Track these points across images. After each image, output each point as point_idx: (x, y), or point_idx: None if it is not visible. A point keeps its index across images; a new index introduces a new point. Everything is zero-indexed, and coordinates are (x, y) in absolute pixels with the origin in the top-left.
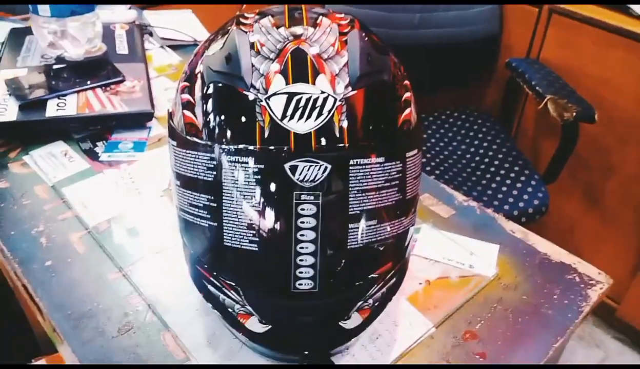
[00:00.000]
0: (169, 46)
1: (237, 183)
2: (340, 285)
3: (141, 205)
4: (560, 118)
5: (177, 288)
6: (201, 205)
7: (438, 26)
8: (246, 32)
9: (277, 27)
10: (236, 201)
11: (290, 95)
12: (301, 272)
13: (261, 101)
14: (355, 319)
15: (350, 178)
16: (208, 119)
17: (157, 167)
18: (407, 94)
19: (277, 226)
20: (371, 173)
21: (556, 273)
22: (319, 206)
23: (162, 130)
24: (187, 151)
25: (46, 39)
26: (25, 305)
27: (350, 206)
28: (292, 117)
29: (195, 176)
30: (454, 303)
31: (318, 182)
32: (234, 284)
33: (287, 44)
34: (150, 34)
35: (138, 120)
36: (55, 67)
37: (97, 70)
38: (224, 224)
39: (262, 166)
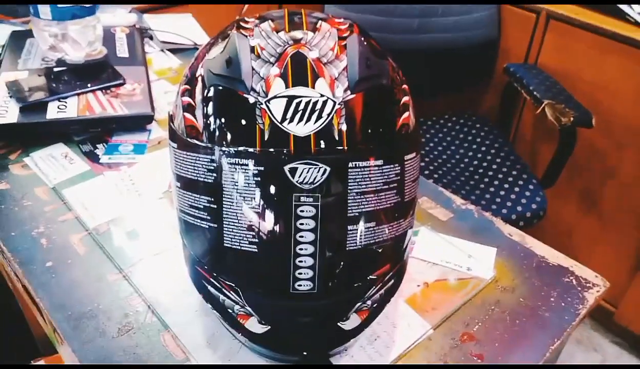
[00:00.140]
0: (169, 50)
1: (237, 185)
2: (339, 286)
3: (141, 207)
4: (557, 123)
5: (177, 289)
6: (201, 206)
7: (437, 31)
8: (246, 36)
9: (277, 32)
10: (236, 202)
11: (290, 99)
12: (300, 273)
13: (261, 104)
14: (354, 321)
15: (349, 181)
16: (208, 122)
17: (157, 169)
18: (406, 98)
19: (277, 227)
20: (370, 175)
21: (553, 276)
22: (318, 208)
23: (162, 132)
24: (188, 153)
25: (47, 42)
26: (25, 306)
27: (349, 208)
28: (291, 119)
29: (196, 178)
30: (451, 305)
31: (317, 184)
32: (233, 285)
33: (287, 48)
34: (151, 38)
35: (138, 123)
36: (56, 69)
37: (98, 73)
38: (224, 225)
39: (262, 168)
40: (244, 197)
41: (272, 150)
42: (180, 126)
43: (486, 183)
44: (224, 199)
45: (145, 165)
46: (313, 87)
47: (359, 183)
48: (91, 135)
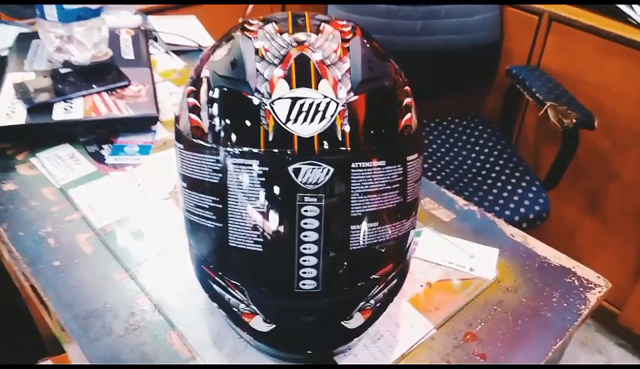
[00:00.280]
0: (174, 51)
1: (242, 185)
2: (343, 286)
3: (147, 207)
4: (560, 124)
5: (183, 288)
6: (207, 206)
7: (440, 33)
8: (251, 38)
9: (281, 34)
10: (241, 202)
11: (294, 100)
12: (304, 272)
13: (265, 105)
14: (357, 320)
15: (352, 181)
16: (214, 122)
17: (162, 169)
18: (408, 99)
19: (281, 227)
20: (372, 176)
21: (555, 277)
22: (322, 208)
23: (167, 133)
24: (193, 154)
25: (53, 44)
26: (32, 306)
27: (352, 208)
28: (295, 120)
29: (201, 178)
30: (454, 305)
31: (321, 184)
32: (238, 284)
33: (291, 49)
34: (155, 39)
35: (143, 124)
36: (62, 71)
37: (103, 74)
38: (229, 225)
39: (267, 168)
40: (248, 197)
41: (276, 150)
42: (186, 127)
43: (489, 185)
44: (229, 199)
45: (150, 166)
46: (316, 89)
47: (362, 183)
48: (97, 136)
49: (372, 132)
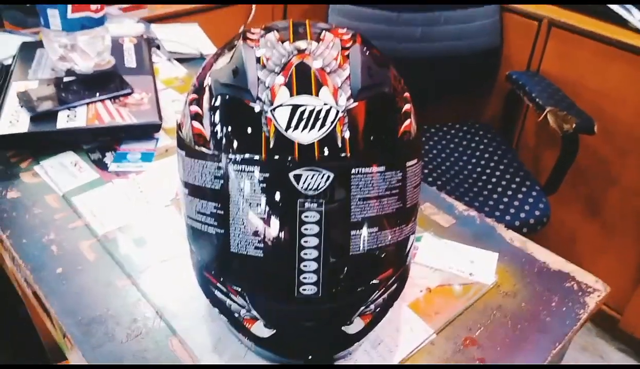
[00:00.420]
0: (176, 59)
1: (243, 192)
2: (343, 291)
3: (149, 214)
4: (560, 129)
5: (184, 295)
6: (209, 212)
7: (440, 40)
8: (252, 47)
9: (282, 42)
10: (242, 209)
11: (295, 107)
12: (305, 278)
13: (267, 112)
14: (357, 324)
15: (352, 187)
16: (216, 130)
17: (164, 177)
18: (407, 106)
19: (282, 233)
20: (372, 181)
21: (554, 281)
22: (322, 213)
23: (170, 141)
24: (196, 161)
25: (57, 53)
26: (34, 313)
27: (352, 213)
28: (296, 127)
29: (203, 185)
30: (454, 309)
31: (321, 190)
32: (239, 289)
33: (292, 58)
34: (158, 47)
35: (146, 132)
36: (65, 79)
37: (106, 82)
38: (230, 231)
39: (268, 175)
40: (249, 203)
41: (277, 157)
42: (188, 134)
43: (490, 190)
44: (230, 205)
45: (152, 173)
46: (317, 96)
47: (362, 189)
48: (100, 144)
49: (371, 138)
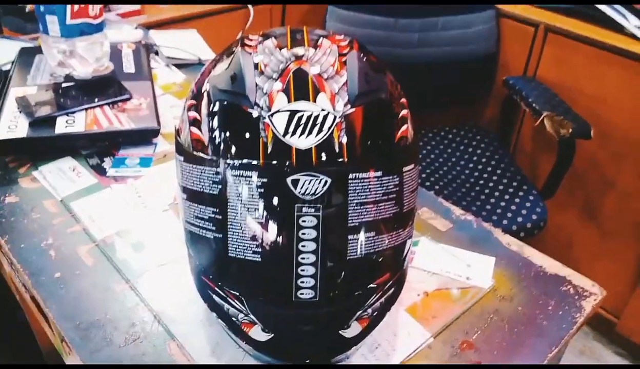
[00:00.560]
0: (174, 65)
1: (241, 197)
2: (340, 295)
3: (147, 219)
4: (556, 134)
5: (182, 299)
6: (207, 217)
7: (437, 45)
8: (250, 53)
9: (280, 48)
10: (240, 213)
11: (292, 113)
12: (302, 282)
13: (264, 118)
14: (354, 328)
15: (349, 192)
16: (214, 135)
17: (162, 182)
18: (404, 111)
19: (280, 237)
20: (369, 186)
21: (551, 285)
22: (320, 218)
23: (168, 146)
24: (194, 166)
25: (55, 58)
26: (32, 318)
27: (349, 218)
28: (293, 133)
29: (201, 189)
30: (451, 313)
31: (318, 195)
32: (237, 294)
33: (289, 64)
34: (156, 53)
35: (144, 137)
36: (64, 85)
37: (105, 88)
38: (228, 236)
39: (265, 180)
40: (247, 208)
41: (275, 162)
42: (187, 140)
43: (487, 194)
44: (228, 210)
45: (151, 178)
46: (314, 102)
47: (359, 194)
48: (98, 149)
49: (368, 143)
